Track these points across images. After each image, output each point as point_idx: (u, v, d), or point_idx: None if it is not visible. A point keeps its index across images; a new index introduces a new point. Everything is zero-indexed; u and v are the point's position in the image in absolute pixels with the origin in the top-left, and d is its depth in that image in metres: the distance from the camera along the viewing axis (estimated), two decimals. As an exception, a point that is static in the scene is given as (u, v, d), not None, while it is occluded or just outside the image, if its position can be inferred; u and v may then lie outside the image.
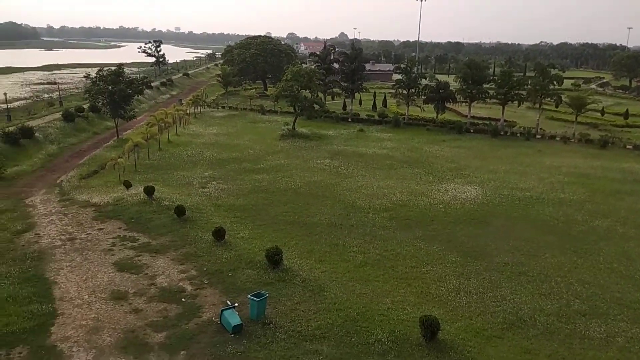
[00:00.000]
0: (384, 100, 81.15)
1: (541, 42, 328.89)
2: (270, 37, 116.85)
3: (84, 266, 22.98)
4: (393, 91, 74.70)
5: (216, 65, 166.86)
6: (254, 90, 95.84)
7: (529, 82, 67.94)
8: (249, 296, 18.96)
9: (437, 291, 21.72)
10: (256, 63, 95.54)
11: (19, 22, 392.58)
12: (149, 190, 32.26)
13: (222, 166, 43.05)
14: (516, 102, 67.03)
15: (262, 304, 18.87)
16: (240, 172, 41.36)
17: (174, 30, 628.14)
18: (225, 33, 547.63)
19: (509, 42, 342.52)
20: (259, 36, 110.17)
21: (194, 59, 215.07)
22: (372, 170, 42.96)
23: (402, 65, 73.54)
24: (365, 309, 19.73)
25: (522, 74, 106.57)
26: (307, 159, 46.72)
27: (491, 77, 72.48)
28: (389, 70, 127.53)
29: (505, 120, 65.03)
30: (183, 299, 20.26)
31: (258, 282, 21.65)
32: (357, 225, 29.46)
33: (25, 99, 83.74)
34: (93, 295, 20.34)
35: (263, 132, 60.03)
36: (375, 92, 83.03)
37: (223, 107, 79.78)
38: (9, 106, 61.20)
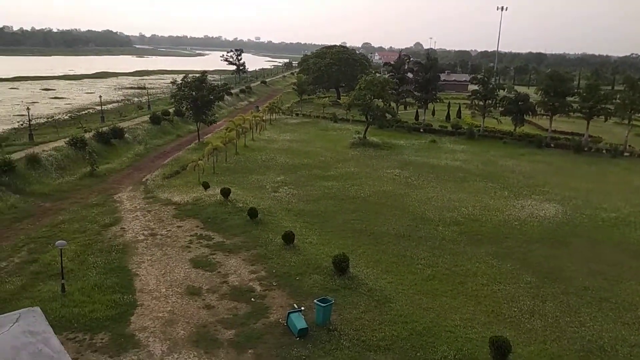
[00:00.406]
0: (458, 111, 79.11)
1: (632, 54, 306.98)
2: (345, 47, 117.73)
3: (163, 261, 24.13)
4: (468, 102, 72.66)
5: (292, 73, 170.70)
6: (327, 98, 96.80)
7: (618, 96, 63.46)
8: (315, 301, 19.04)
9: (509, 312, 20.70)
10: (330, 72, 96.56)
11: (114, 31, 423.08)
12: (225, 192, 33.38)
13: (293, 172, 43.73)
14: (602, 116, 62.91)
15: (328, 310, 18.89)
16: (311, 178, 41.80)
17: (254, 40, 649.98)
18: (302, 42, 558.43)
19: (596, 54, 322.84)
20: (335, 46, 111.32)
21: (272, 67, 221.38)
22: (443, 182, 41.89)
23: (479, 76, 71.37)
24: (432, 324, 19.18)
25: (610, 88, 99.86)
26: (377, 168, 46.42)
27: (575, 90, 68.50)
28: (465, 81, 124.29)
29: (590, 136, 61.16)
30: (252, 299, 20.71)
31: (324, 288, 21.69)
32: (426, 238, 28.78)
33: (117, 102, 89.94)
34: (170, 289, 21.29)
35: (334, 139, 60.41)
36: (449, 103, 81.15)
37: (297, 115, 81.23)
38: (103, 108, 65.89)
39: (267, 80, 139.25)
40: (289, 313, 18.63)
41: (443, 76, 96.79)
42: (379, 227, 30.29)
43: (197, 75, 56.80)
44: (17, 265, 23.16)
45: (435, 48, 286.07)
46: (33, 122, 51.75)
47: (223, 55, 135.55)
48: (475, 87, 70.38)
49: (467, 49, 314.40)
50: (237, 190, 35.67)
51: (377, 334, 18.25)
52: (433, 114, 79.92)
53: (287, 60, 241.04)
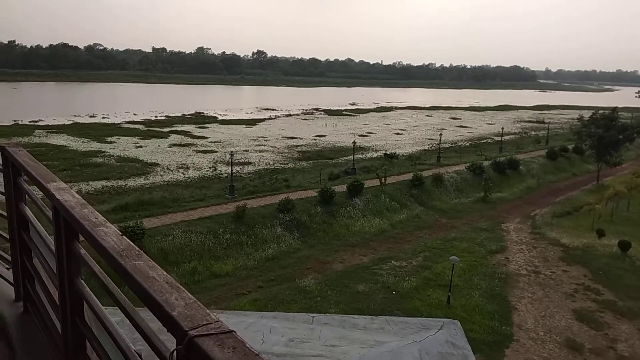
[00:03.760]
0: None
1: None
2: None
3: (544, 303, 22.48)
4: None
5: None
6: None
7: None
8: None
9: None
10: None
11: (521, 66, 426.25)
12: (625, 245, 28.44)
13: None
14: None
15: None
16: None
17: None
18: None
19: None
20: None
21: None
22: None
23: None
24: None
25: None
26: None
27: None
28: None
29: None
30: (648, 381, 16.78)
31: None
32: None
33: (514, 134, 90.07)
34: (548, 334, 19.60)
35: None
36: None
37: None
38: (502, 139, 67.25)
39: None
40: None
41: None
42: None
43: (607, 112, 50.63)
44: (414, 267, 26.12)
45: None
46: (440, 146, 57.68)
47: (638, 91, 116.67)
48: None
49: None
50: (638, 245, 29.79)
51: None
52: None
53: None
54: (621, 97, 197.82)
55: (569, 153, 58.62)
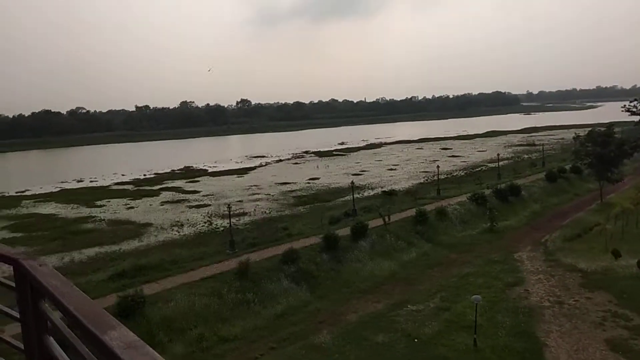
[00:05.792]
0: None
1: None
2: None
3: (574, 335, 21.52)
4: None
5: None
6: None
7: None
8: None
9: None
10: None
11: (502, 91, 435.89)
12: (645, 265, 27.76)
13: None
14: None
15: None
16: None
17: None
18: None
19: None
20: None
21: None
22: None
23: None
24: None
25: None
26: None
27: None
28: None
29: None
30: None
31: None
32: None
33: (508, 159, 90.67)
34: (586, 370, 18.61)
35: None
36: None
37: None
38: (497, 165, 67.34)
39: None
40: None
41: None
42: None
43: (603, 129, 51.12)
44: (432, 310, 25.10)
45: None
46: (436, 178, 57.54)
47: (625, 105, 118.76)
48: None
49: None
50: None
51: None
52: None
53: None
54: (606, 113, 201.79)
55: (567, 173, 58.66)
